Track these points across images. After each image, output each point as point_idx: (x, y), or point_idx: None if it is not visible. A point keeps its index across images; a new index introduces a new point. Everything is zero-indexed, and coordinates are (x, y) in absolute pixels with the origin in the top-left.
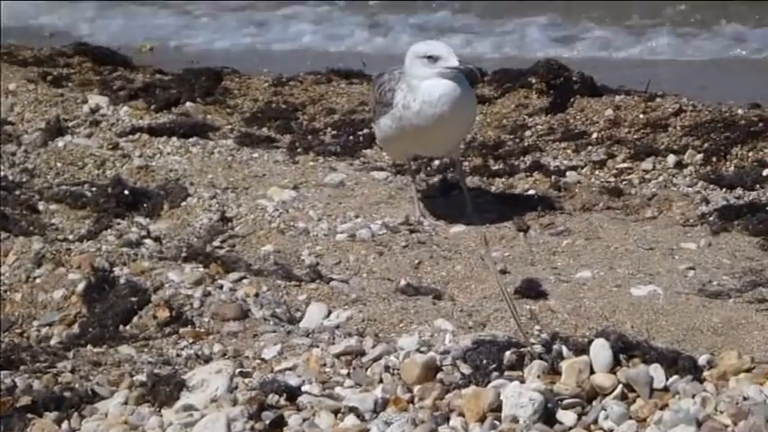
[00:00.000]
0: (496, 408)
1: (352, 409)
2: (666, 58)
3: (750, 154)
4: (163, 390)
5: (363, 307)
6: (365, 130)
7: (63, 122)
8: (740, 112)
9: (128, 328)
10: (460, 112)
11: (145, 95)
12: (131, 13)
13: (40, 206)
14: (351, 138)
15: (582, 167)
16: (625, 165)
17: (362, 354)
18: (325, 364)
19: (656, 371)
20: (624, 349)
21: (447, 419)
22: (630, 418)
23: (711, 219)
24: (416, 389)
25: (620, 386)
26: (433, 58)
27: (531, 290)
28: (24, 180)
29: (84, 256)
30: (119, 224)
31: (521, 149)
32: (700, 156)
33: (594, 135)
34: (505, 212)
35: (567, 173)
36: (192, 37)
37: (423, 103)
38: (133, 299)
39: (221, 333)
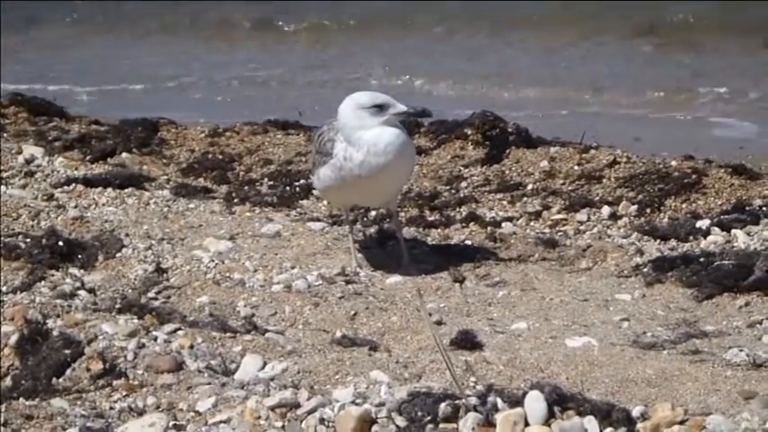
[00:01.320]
0: None
1: None
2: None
3: (684, 205)
4: None
5: (299, 359)
6: (302, 181)
7: None
8: (674, 163)
9: (61, 380)
10: (405, 161)
11: (80, 146)
12: None
13: None
14: (287, 188)
15: (517, 219)
16: (560, 216)
17: (297, 406)
18: (259, 417)
19: (591, 423)
20: (559, 401)
21: None
22: None
23: (645, 270)
24: None
25: None
26: (379, 107)
27: (466, 341)
28: None
29: (18, 308)
30: (53, 276)
31: (457, 200)
32: (634, 207)
33: (530, 186)
34: (441, 263)
35: (503, 224)
36: None
37: (367, 154)
38: (66, 351)
39: (155, 385)
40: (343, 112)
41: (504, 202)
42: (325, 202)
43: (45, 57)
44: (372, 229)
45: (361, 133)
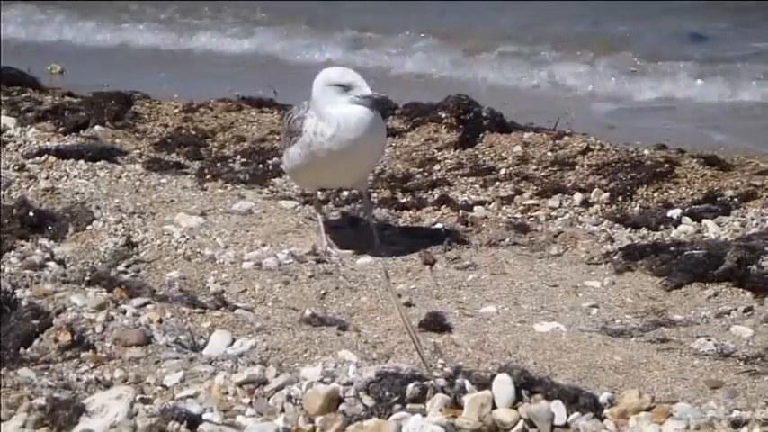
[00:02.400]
0: None
1: None
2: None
3: (655, 194)
4: (62, 414)
5: (267, 336)
6: (275, 159)
7: None
8: (646, 152)
9: (28, 350)
10: (374, 138)
11: (53, 118)
12: None
13: None
14: (260, 166)
15: (489, 203)
16: (532, 201)
17: (265, 383)
18: (227, 393)
19: (558, 407)
20: (526, 385)
21: None
22: None
23: (616, 258)
24: (318, 420)
25: (522, 422)
26: (345, 87)
27: (435, 323)
28: None
29: None
30: (23, 246)
31: (429, 183)
32: (606, 195)
33: (503, 171)
34: (412, 245)
35: (475, 208)
36: None
37: (338, 129)
38: (35, 322)
39: (123, 358)
40: (315, 86)
41: (477, 186)
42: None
43: None
44: (344, 209)
45: (331, 108)
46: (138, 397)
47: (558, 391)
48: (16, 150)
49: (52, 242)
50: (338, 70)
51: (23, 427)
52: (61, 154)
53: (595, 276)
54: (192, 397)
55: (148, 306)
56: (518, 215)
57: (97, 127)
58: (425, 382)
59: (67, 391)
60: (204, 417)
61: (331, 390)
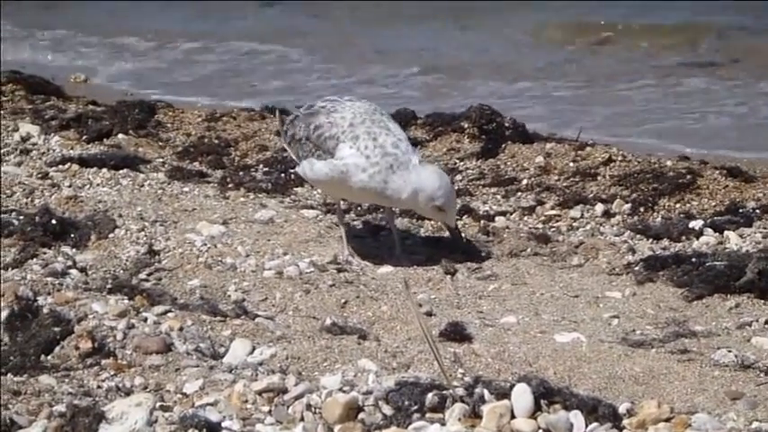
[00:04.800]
0: None
1: None
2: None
3: (677, 206)
4: (82, 421)
5: (288, 344)
6: (297, 168)
7: None
8: (669, 163)
9: (49, 357)
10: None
11: (77, 126)
12: None
13: None
14: (282, 175)
15: (511, 213)
16: (553, 212)
17: (285, 391)
18: (246, 401)
19: (576, 417)
20: (545, 395)
21: None
22: None
23: (637, 268)
24: (337, 428)
25: (540, 431)
26: (439, 208)
27: (455, 333)
28: None
29: (9, 284)
30: (45, 253)
31: None
32: (627, 206)
33: (524, 181)
34: (433, 255)
35: (496, 218)
36: None
37: (390, 188)
38: (56, 329)
39: (143, 366)
40: (425, 193)
41: (498, 197)
42: (319, 190)
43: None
44: (365, 219)
45: (408, 176)
46: (157, 404)
47: (577, 401)
48: (40, 158)
49: (74, 250)
50: (445, 193)
51: None
52: (84, 162)
53: (616, 287)
54: (211, 405)
55: (169, 314)
56: (539, 225)
57: (120, 135)
58: (444, 392)
59: (88, 398)
60: (223, 425)
61: (350, 398)
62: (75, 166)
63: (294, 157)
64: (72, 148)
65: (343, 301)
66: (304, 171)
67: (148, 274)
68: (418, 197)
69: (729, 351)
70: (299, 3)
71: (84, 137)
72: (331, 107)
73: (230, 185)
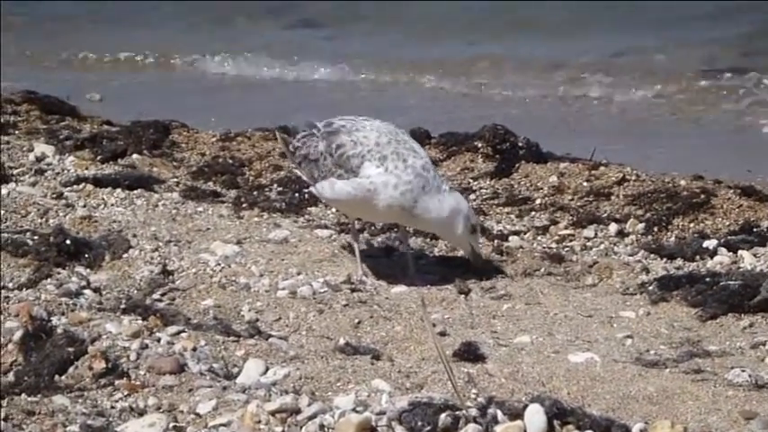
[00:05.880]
0: None
1: None
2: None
3: (691, 225)
4: None
5: (301, 365)
6: (311, 188)
7: (8, 170)
8: (683, 183)
9: (63, 378)
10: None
11: (91, 146)
12: None
13: None
14: (296, 195)
15: (525, 233)
16: (567, 231)
17: (298, 412)
18: (259, 421)
19: None
20: (559, 415)
21: None
22: None
23: (651, 288)
24: None
25: None
26: (473, 227)
27: (469, 353)
28: None
29: (23, 304)
30: (59, 274)
31: None
32: (641, 225)
33: (538, 201)
34: (447, 275)
35: (510, 237)
36: None
37: (419, 207)
38: (70, 349)
39: (157, 386)
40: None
41: (512, 216)
42: (333, 210)
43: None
44: (379, 239)
45: (444, 200)
46: (171, 425)
47: (591, 421)
48: (54, 178)
49: (88, 270)
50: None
51: None
52: (99, 182)
53: (630, 307)
54: (224, 425)
55: (183, 334)
56: (553, 245)
57: (135, 155)
58: (458, 412)
59: (101, 418)
60: None
61: (363, 419)
62: (90, 186)
63: (306, 179)
64: (86, 168)
65: (356, 321)
66: (321, 192)
67: (162, 295)
68: (456, 218)
69: (743, 371)
70: None
71: (99, 157)
72: (351, 126)
73: (244, 205)
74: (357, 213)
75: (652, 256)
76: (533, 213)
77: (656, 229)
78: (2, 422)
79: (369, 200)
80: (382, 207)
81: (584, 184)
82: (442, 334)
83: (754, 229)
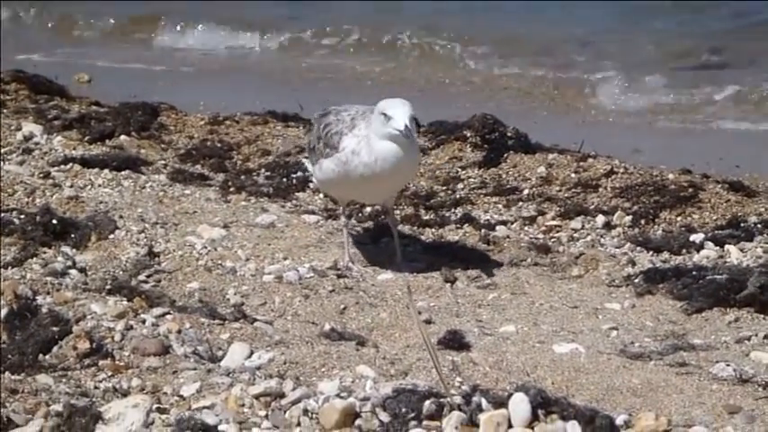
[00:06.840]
0: None
1: None
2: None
3: (678, 218)
4: (78, 421)
5: (286, 349)
6: (299, 173)
7: None
8: (671, 176)
9: (47, 357)
10: (407, 169)
11: (79, 126)
12: None
13: None
14: (284, 180)
15: (512, 223)
16: (554, 222)
17: (282, 396)
18: (243, 405)
19: (574, 428)
20: (543, 405)
21: None
22: None
23: (637, 281)
24: None
25: None
26: (387, 117)
27: (454, 341)
28: None
29: (8, 283)
30: (45, 253)
31: (452, 201)
32: (628, 218)
33: (526, 191)
34: (434, 263)
35: (497, 227)
36: None
37: (375, 161)
38: (54, 328)
39: (141, 368)
40: (374, 110)
41: (500, 206)
42: (320, 196)
43: None
44: (367, 225)
45: (376, 139)
46: (154, 406)
47: (575, 411)
48: (42, 158)
49: (74, 250)
50: (391, 101)
51: None
52: (86, 163)
53: (616, 299)
54: (208, 408)
55: (168, 316)
56: (540, 236)
57: (123, 137)
58: (442, 400)
59: (85, 398)
60: (220, 428)
61: (347, 404)
62: (77, 167)
63: (311, 168)
64: (74, 149)
65: (342, 307)
66: (317, 177)
67: (148, 276)
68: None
69: (728, 365)
70: None
71: (87, 137)
72: (341, 108)
73: (232, 189)
74: (343, 192)
75: (638, 248)
76: (521, 204)
77: (643, 221)
78: None
79: (348, 174)
80: (355, 178)
81: (573, 175)
82: (428, 322)
83: (742, 224)
